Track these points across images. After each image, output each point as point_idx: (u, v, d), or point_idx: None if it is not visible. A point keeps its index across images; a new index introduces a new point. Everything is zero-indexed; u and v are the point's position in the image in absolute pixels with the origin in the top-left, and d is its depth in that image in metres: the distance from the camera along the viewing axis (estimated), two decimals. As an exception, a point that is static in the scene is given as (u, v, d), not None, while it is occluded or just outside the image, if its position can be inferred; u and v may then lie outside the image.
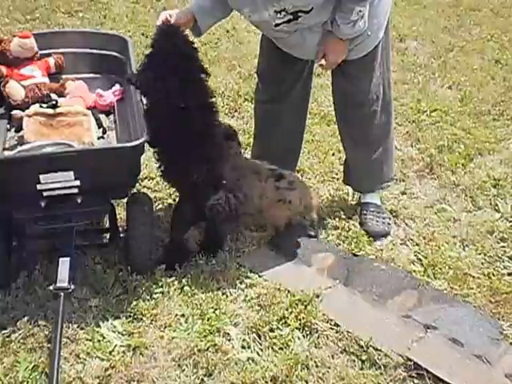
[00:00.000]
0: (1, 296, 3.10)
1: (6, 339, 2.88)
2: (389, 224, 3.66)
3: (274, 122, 3.69)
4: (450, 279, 3.28)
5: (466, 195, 3.96)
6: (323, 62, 3.22)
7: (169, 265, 3.30)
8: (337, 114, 3.70)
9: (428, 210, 3.80)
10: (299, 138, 3.87)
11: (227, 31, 6.48)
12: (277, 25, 3.08)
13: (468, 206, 3.87)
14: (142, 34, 6.30)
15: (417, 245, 3.53)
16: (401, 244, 3.54)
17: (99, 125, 3.54)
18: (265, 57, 3.67)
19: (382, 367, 2.78)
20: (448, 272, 3.32)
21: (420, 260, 3.41)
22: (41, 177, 2.81)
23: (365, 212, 3.71)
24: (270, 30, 3.20)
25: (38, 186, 2.84)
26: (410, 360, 2.79)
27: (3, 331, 2.92)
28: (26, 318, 2.96)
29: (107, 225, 3.38)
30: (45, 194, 2.88)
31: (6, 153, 3.34)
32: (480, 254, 3.47)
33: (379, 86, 3.41)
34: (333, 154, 4.25)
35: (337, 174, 4.09)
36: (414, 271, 3.34)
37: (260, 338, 2.91)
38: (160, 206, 3.80)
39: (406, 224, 3.68)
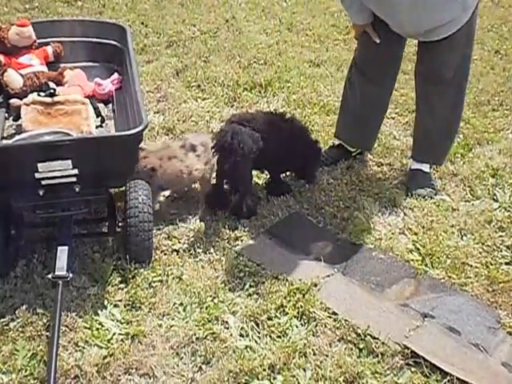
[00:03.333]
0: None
1: (5, 327, 2.88)
2: (432, 191, 3.86)
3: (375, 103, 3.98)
4: (448, 268, 3.28)
5: (465, 185, 3.96)
6: None
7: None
8: (417, 88, 3.91)
9: (427, 199, 3.79)
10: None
11: (227, 20, 6.47)
12: None
13: (466, 196, 3.87)
14: (142, 23, 6.30)
15: (415, 234, 3.52)
16: (399, 233, 3.54)
17: (98, 114, 3.55)
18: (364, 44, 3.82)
19: (380, 355, 2.78)
20: (446, 261, 3.32)
21: (418, 249, 3.41)
22: (39, 165, 2.82)
23: (413, 178, 3.94)
24: None
25: (36, 175, 2.85)
26: (408, 348, 2.80)
27: (2, 319, 2.92)
28: (24, 307, 2.97)
29: (105, 213, 3.38)
30: (43, 182, 2.89)
31: (4, 141, 3.35)
32: (478, 243, 3.47)
33: (462, 63, 3.63)
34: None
35: (335, 165, 4.08)
36: (412, 260, 3.34)
37: (258, 327, 2.92)
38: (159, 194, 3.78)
39: (405, 213, 3.68)
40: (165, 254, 3.34)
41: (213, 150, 3.51)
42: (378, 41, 3.60)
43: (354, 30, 3.86)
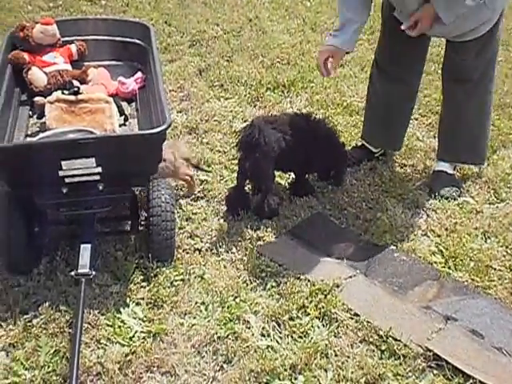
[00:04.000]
0: (23, 281, 3.13)
1: (28, 324, 2.90)
2: (457, 191, 3.85)
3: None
4: (471, 271, 3.25)
5: (489, 187, 3.93)
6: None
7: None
8: (443, 87, 3.94)
9: (450, 201, 3.76)
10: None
11: (250, 20, 6.47)
12: None
13: (490, 198, 3.84)
14: (165, 22, 6.32)
15: (438, 236, 3.50)
16: (422, 235, 3.52)
17: (121, 112, 3.55)
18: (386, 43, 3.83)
19: (402, 357, 2.76)
20: (469, 264, 3.30)
21: (441, 251, 3.38)
22: (63, 163, 2.83)
23: (437, 179, 3.93)
24: None
25: (60, 173, 2.86)
26: (430, 351, 2.78)
27: (25, 316, 2.94)
28: (47, 304, 2.99)
29: (128, 212, 3.39)
30: (66, 180, 2.90)
31: (29, 139, 3.37)
32: (502, 246, 3.44)
33: (488, 63, 3.68)
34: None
35: (358, 166, 4.06)
36: (435, 262, 3.32)
37: (279, 327, 2.91)
38: (181, 193, 3.79)
39: (428, 215, 3.66)
40: (187, 253, 3.34)
41: (236, 148, 3.52)
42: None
43: (318, 57, 3.66)
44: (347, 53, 3.61)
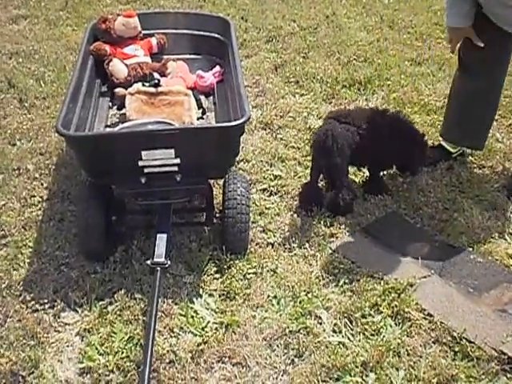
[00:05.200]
0: (99, 269, 3.20)
1: (103, 310, 2.97)
2: None
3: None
4: (550, 276, 3.18)
5: None
6: None
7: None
8: None
9: (528, 204, 3.69)
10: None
11: (327, 17, 6.44)
12: None
13: None
14: (242, 18, 6.35)
15: (516, 239, 3.43)
16: (499, 237, 3.44)
17: (199, 105, 3.59)
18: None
19: (475, 359, 2.72)
20: (548, 268, 3.23)
21: (519, 255, 3.32)
22: (143, 153, 2.87)
23: None
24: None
25: (140, 163, 2.91)
26: (504, 354, 2.73)
27: (101, 302, 3.01)
28: (122, 291, 3.05)
29: (204, 204, 3.42)
30: (145, 170, 2.95)
31: (108, 130, 3.44)
32: None
33: None
34: (432, 145, 4.15)
35: (435, 166, 4.00)
36: (512, 266, 3.26)
37: (351, 324, 2.90)
38: (255, 188, 3.81)
39: (506, 218, 3.57)
40: (260, 247, 3.36)
41: (309, 146, 3.52)
42: (481, 45, 3.51)
43: (450, 40, 3.73)
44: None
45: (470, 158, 4.08)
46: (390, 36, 5.97)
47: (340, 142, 3.42)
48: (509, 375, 2.67)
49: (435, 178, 3.90)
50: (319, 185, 3.67)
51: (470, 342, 2.79)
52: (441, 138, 4.10)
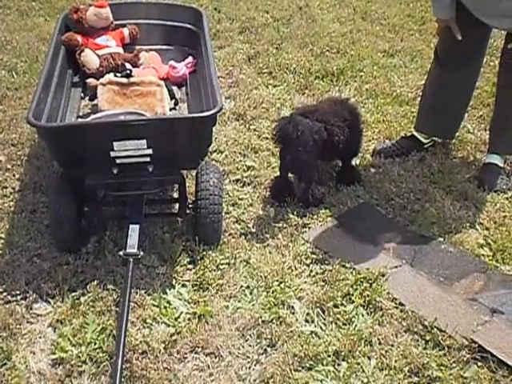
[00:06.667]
0: (71, 260, 3.19)
1: (76, 301, 2.96)
2: (507, 183, 3.83)
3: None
4: (520, 265, 3.22)
5: (540, 181, 3.87)
6: None
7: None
8: (499, 79, 3.89)
9: (499, 195, 3.72)
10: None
11: (300, 8, 6.44)
12: None
13: (541, 193, 3.79)
14: (215, 9, 6.34)
15: (486, 229, 3.46)
16: (470, 227, 3.47)
17: (172, 96, 3.57)
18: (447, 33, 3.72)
19: (446, 348, 2.75)
20: (517, 257, 3.27)
21: (489, 244, 3.34)
22: (115, 144, 2.86)
23: (487, 171, 3.89)
24: None
25: (112, 153, 2.90)
26: (475, 342, 2.76)
27: (73, 294, 3.00)
28: (95, 282, 3.04)
29: (177, 195, 3.41)
30: (118, 161, 2.94)
31: (80, 120, 3.42)
32: (552, 240, 3.40)
33: None
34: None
35: (407, 156, 4.04)
36: (483, 255, 3.28)
37: (324, 313, 2.92)
38: (228, 179, 3.81)
39: (477, 208, 3.61)
40: (233, 238, 3.36)
41: (275, 142, 3.52)
42: (459, 37, 3.54)
43: (437, 24, 3.79)
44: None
45: (442, 148, 4.12)
46: (363, 27, 6.00)
47: (304, 140, 3.40)
48: (480, 363, 2.69)
49: (407, 168, 3.92)
50: (290, 177, 3.67)
51: (441, 330, 2.82)
52: (413, 129, 4.13)
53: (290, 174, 3.65)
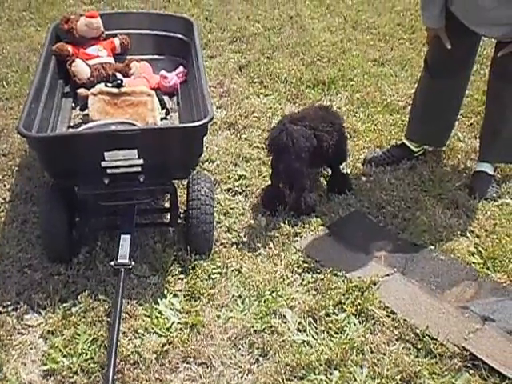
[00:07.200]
0: (63, 270, 3.18)
1: (67, 312, 2.95)
2: (497, 191, 3.85)
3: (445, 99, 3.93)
4: (510, 272, 3.21)
5: (530, 189, 3.89)
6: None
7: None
8: (489, 87, 3.89)
9: (490, 202, 3.73)
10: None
11: (291, 17, 6.45)
12: None
13: (531, 201, 3.80)
14: (206, 19, 6.35)
15: (477, 237, 3.47)
16: (461, 235, 3.48)
17: (163, 106, 3.59)
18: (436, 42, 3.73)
19: (438, 356, 2.75)
20: (508, 265, 3.26)
21: (480, 252, 3.35)
22: (105, 154, 2.86)
23: (478, 179, 3.90)
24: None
25: (103, 163, 2.90)
26: (466, 350, 2.76)
27: (64, 304, 2.99)
28: (86, 293, 3.03)
29: (168, 204, 3.41)
30: (109, 171, 2.94)
31: (71, 130, 3.42)
32: (542, 248, 3.41)
33: None
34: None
35: (398, 165, 4.05)
36: (474, 263, 3.29)
37: (316, 322, 2.92)
38: (219, 188, 3.81)
39: (467, 216, 3.62)
40: (224, 247, 3.36)
41: (268, 151, 3.53)
42: (449, 46, 3.55)
43: (427, 33, 3.81)
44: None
45: (432, 157, 4.13)
46: (354, 37, 6.01)
47: (297, 149, 3.41)
48: (471, 371, 2.70)
49: (398, 177, 3.93)
50: (281, 186, 3.67)
51: (433, 338, 2.82)
52: (404, 138, 4.14)
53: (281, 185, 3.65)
